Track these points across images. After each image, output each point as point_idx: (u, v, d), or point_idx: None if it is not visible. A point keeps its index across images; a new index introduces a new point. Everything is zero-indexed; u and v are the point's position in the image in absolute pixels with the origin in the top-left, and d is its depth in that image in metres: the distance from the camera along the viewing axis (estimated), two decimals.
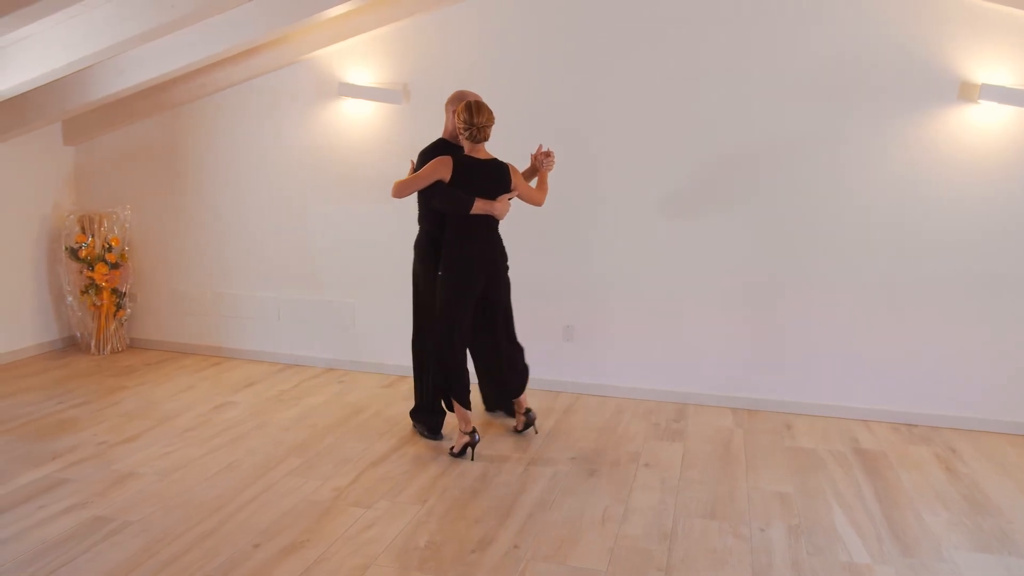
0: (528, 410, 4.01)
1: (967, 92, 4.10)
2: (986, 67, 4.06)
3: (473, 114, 3.56)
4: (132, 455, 3.65)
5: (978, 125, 4.11)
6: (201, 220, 5.36)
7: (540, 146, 3.96)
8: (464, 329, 3.74)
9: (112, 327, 5.41)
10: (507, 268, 3.86)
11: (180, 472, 3.47)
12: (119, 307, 5.40)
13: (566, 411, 4.43)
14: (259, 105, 5.11)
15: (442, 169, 3.59)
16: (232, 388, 4.72)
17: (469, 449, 3.70)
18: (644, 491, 3.40)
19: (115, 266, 5.28)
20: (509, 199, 3.72)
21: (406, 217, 4.91)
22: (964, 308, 4.24)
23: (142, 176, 5.44)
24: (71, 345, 5.61)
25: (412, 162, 3.88)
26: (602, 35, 4.49)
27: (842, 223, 4.33)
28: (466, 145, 3.66)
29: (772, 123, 4.34)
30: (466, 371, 3.75)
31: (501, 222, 3.79)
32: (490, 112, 3.61)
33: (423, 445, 3.86)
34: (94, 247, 5.24)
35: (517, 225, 4.73)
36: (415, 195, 3.80)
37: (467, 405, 3.73)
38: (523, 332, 4.78)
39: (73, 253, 5.24)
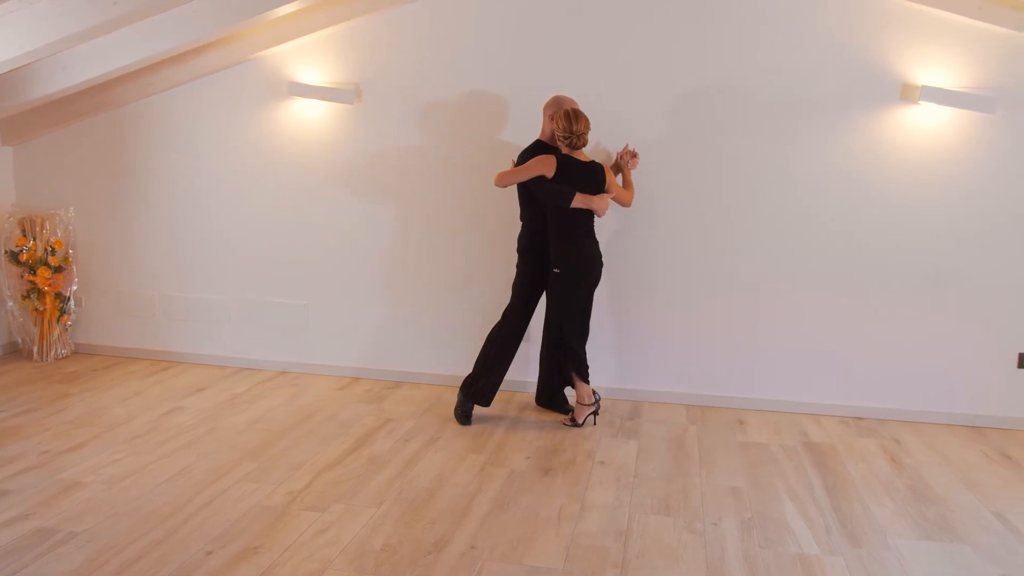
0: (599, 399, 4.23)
1: (908, 94, 4.22)
2: (926, 70, 4.19)
3: (571, 122, 3.86)
4: (78, 463, 3.55)
5: (919, 125, 4.24)
6: (148, 222, 5.24)
7: (627, 145, 4.21)
8: (588, 319, 4.13)
9: (56, 332, 5.26)
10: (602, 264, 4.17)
11: (129, 480, 3.39)
12: (63, 312, 5.26)
13: (521, 410, 4.44)
14: (207, 105, 5.02)
15: (544, 166, 3.89)
16: (182, 393, 4.63)
17: (592, 416, 4.22)
18: (599, 489, 3.43)
19: (58, 270, 5.14)
20: (609, 197, 4.03)
21: (357, 217, 4.89)
22: (908, 304, 4.36)
23: (86, 177, 5.30)
24: (12, 352, 5.44)
25: (513, 162, 4.12)
26: (555, 35, 4.51)
27: (790, 223, 4.42)
28: (564, 149, 3.96)
29: (723, 127, 4.41)
30: (584, 353, 4.18)
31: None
32: (587, 119, 3.91)
33: (378, 447, 3.83)
34: (36, 250, 5.09)
35: (478, 226, 4.74)
36: (517, 192, 4.15)
37: (588, 381, 4.17)
38: (479, 331, 4.77)
39: (13, 256, 5.08)
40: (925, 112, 4.22)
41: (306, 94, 4.77)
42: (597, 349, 4.67)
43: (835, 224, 4.38)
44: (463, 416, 4.19)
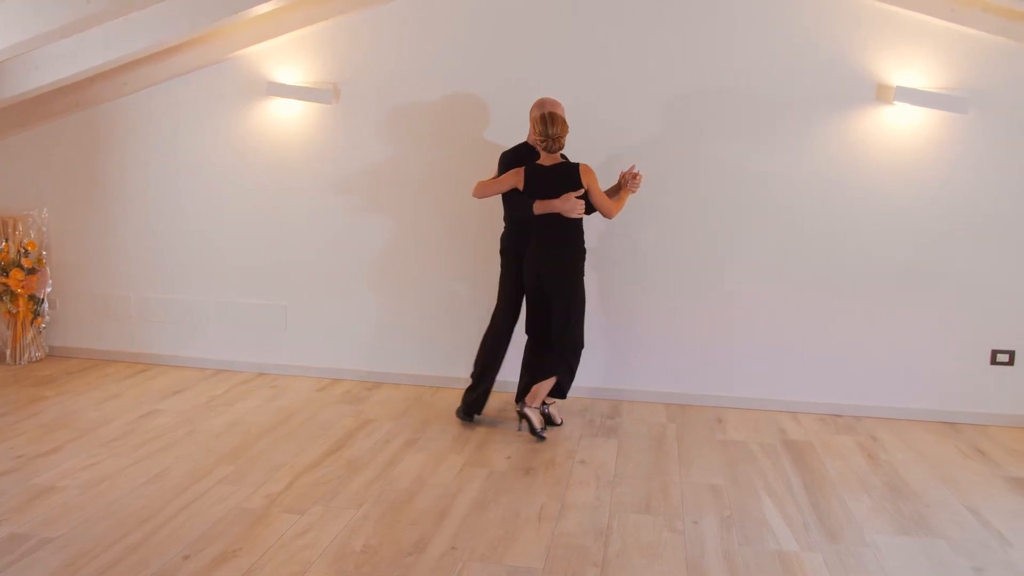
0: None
1: (883, 94, 4.27)
2: (901, 71, 4.24)
3: (547, 125, 3.81)
4: (52, 468, 3.50)
5: (894, 126, 4.29)
6: (124, 223, 5.17)
7: (632, 166, 4.09)
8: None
9: (29, 335, 5.19)
10: (574, 270, 4.00)
11: (105, 484, 3.35)
12: (37, 314, 5.18)
13: (500, 410, 4.43)
14: (184, 105, 4.97)
15: (515, 179, 3.90)
16: (159, 395, 4.58)
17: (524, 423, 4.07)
18: (580, 488, 3.44)
19: (31, 271, 5.06)
20: (577, 197, 3.85)
21: (336, 217, 4.87)
22: (883, 302, 4.41)
23: (60, 178, 5.23)
24: None
25: (497, 170, 4.13)
26: (536, 34, 4.52)
27: (768, 223, 4.46)
28: (542, 153, 3.90)
29: (702, 128, 4.44)
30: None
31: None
32: (564, 122, 3.84)
33: (358, 448, 3.82)
34: (8, 252, 5.01)
35: (458, 226, 4.74)
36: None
37: (528, 384, 4.09)
38: (459, 332, 4.75)
39: None
40: (899, 112, 4.27)
41: (284, 94, 4.74)
42: None
43: (812, 223, 4.43)
44: (463, 415, 4.23)
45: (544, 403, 4.20)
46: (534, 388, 4.02)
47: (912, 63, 4.22)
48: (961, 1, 4.03)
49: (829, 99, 4.32)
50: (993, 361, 4.37)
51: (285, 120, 4.85)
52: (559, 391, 4.13)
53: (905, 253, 4.36)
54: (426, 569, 2.72)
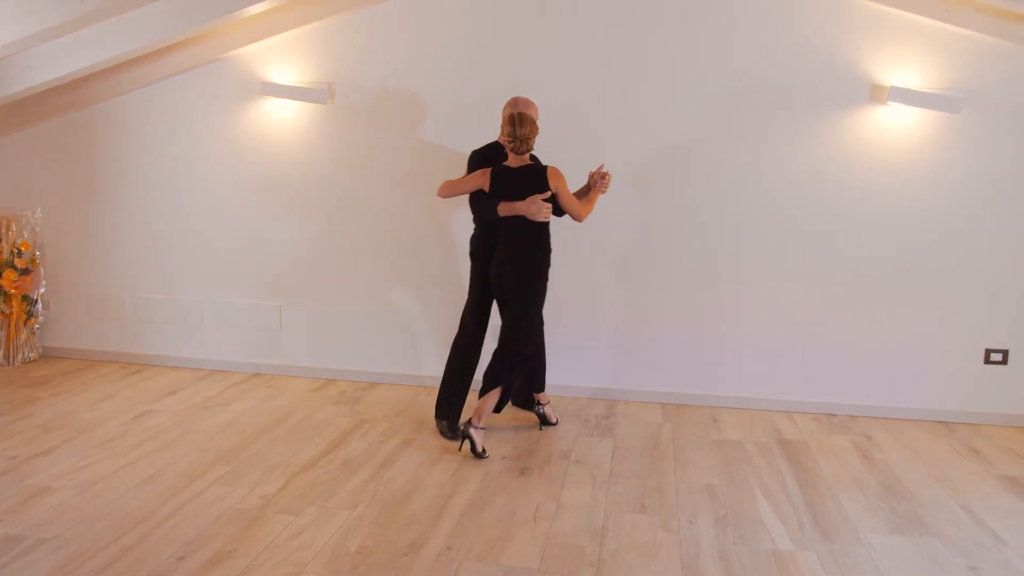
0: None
1: (877, 94, 4.28)
2: (895, 71, 4.25)
3: (516, 126, 3.67)
4: (47, 469, 3.49)
5: (888, 125, 4.30)
6: (118, 223, 5.16)
7: (601, 165, 3.97)
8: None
9: (23, 336, 5.17)
10: (538, 273, 3.84)
11: (100, 484, 3.34)
12: (30, 315, 5.17)
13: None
14: (178, 104, 4.96)
15: (481, 180, 3.78)
16: (154, 396, 4.57)
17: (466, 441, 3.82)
18: (575, 488, 3.44)
19: (25, 272, 5.05)
20: (543, 199, 3.72)
21: (331, 217, 4.86)
22: (878, 301, 4.42)
23: (54, 177, 5.21)
24: None
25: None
26: (534, 34, 4.52)
27: (761, 220, 4.47)
28: (510, 154, 3.76)
29: (695, 127, 4.45)
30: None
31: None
32: (532, 123, 3.70)
33: (353, 449, 3.81)
34: (1, 252, 5.00)
35: (452, 226, 4.73)
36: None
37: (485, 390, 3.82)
38: (454, 332, 4.75)
39: None
40: (893, 112, 4.28)
41: (279, 94, 4.73)
42: (572, 348, 4.69)
43: (806, 223, 4.44)
44: (448, 433, 4.00)
45: (539, 403, 4.20)
46: (478, 404, 3.78)
47: (906, 63, 4.24)
48: (954, 1, 4.05)
49: (824, 99, 4.33)
50: (987, 360, 4.39)
51: (280, 120, 4.84)
52: (500, 404, 3.84)
53: (899, 252, 4.38)
54: (422, 570, 2.72)
